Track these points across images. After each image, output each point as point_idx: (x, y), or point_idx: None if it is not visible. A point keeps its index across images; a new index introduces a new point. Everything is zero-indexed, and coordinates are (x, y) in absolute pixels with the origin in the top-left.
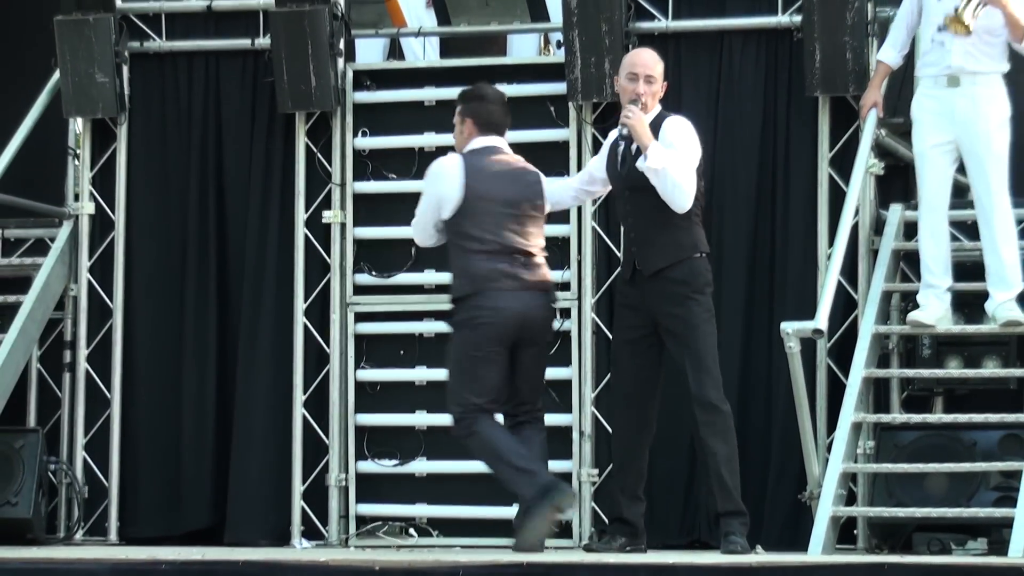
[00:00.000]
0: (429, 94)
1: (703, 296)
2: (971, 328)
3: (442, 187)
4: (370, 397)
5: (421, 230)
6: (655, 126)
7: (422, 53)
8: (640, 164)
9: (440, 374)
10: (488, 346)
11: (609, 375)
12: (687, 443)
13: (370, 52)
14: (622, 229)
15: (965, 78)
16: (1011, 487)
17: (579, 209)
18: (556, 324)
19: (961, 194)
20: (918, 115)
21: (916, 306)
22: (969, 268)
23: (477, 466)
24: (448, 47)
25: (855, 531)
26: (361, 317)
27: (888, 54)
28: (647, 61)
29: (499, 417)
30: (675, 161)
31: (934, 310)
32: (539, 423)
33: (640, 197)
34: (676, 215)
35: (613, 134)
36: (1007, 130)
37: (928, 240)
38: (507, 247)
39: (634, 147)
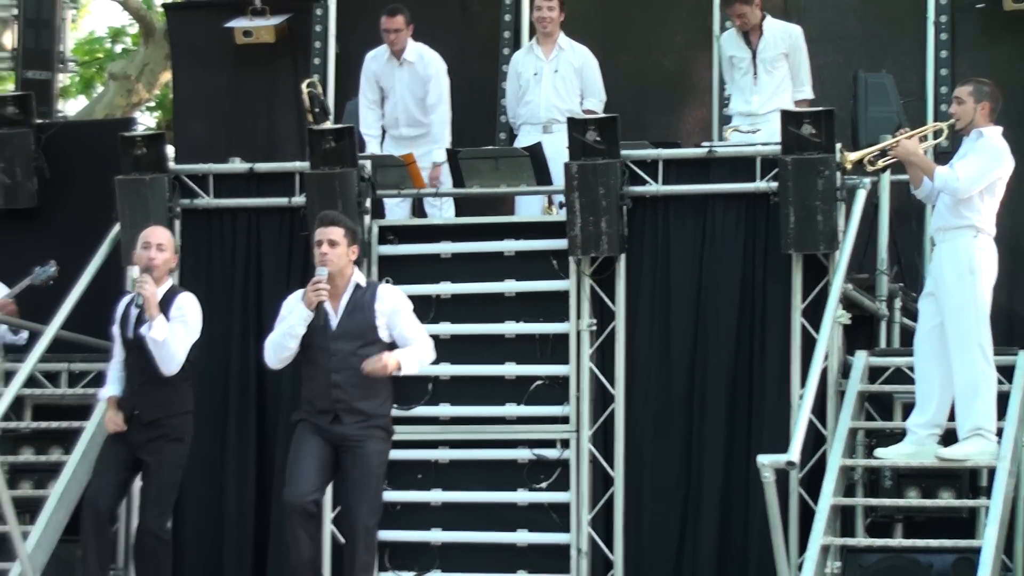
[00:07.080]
0: (445, 248)
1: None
2: (927, 462)
3: None
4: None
5: None
6: (167, 298)
7: (439, 212)
8: (143, 331)
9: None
10: None
11: (604, 500)
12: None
13: (396, 210)
14: (126, 382)
15: (938, 235)
16: None
17: (578, 350)
18: (556, 453)
19: None
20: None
21: (883, 443)
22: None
23: None
24: (462, 206)
25: None
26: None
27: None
28: (157, 232)
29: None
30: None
31: (901, 448)
32: None
33: (140, 356)
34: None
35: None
36: (971, 281)
37: (917, 383)
38: None
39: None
